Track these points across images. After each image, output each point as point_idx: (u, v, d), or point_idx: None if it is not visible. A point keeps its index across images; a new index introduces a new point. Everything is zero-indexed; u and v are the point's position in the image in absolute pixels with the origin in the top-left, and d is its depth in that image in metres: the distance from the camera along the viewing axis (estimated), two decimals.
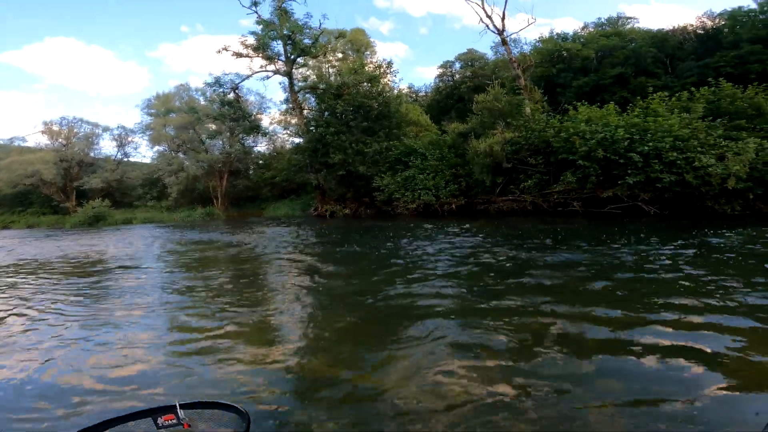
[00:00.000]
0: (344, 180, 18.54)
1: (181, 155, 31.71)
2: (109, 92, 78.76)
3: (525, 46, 29.34)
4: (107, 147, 39.71)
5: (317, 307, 4.22)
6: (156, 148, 34.63)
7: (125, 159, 38.12)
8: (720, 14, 26.75)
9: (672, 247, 6.28)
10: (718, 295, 3.76)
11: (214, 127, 28.15)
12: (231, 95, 23.73)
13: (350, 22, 73.09)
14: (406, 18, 66.74)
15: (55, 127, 35.23)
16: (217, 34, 75.21)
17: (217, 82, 23.20)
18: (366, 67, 23.10)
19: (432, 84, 35.48)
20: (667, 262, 5.25)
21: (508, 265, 5.52)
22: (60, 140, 35.29)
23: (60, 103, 73.70)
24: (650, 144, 12.17)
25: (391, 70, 23.51)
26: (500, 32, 20.18)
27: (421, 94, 35.54)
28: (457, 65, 33.20)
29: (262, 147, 31.86)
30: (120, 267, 7.00)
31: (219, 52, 23.29)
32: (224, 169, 28.62)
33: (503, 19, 19.87)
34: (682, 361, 2.52)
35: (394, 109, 19.96)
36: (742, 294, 3.77)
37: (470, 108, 18.14)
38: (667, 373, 2.40)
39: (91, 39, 76.17)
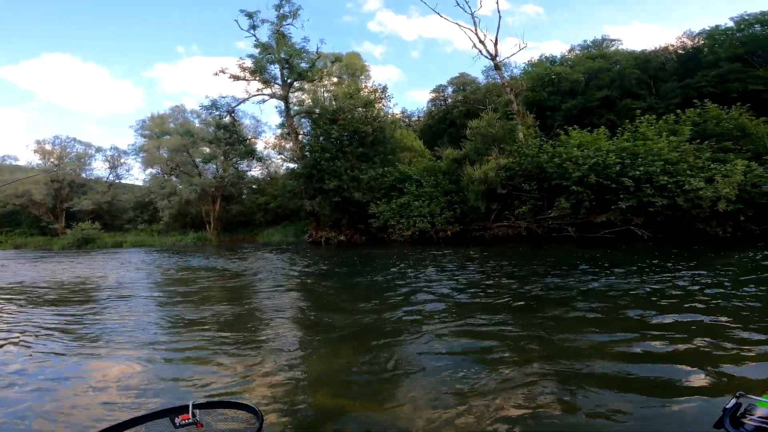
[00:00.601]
0: (339, 206, 18.50)
1: (174, 178, 31.54)
2: (103, 112, 78.78)
3: (515, 70, 30.21)
4: (99, 168, 39.30)
5: (317, 338, 4.13)
6: (149, 170, 34.42)
7: (117, 181, 37.84)
8: (698, 34, 27.74)
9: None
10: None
11: (208, 150, 28.16)
12: (227, 118, 23.86)
13: (344, 45, 74.85)
14: (398, 41, 68.59)
15: (48, 146, 35.05)
16: (212, 55, 76.27)
17: (214, 104, 23.36)
18: (361, 92, 23.51)
19: (424, 108, 36.21)
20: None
21: (507, 293, 5.47)
22: (52, 160, 35.04)
23: (53, 122, 73.38)
24: (641, 168, 12.36)
25: (386, 95, 23.92)
26: (493, 57, 20.72)
27: (414, 118, 36.12)
28: (450, 89, 33.93)
29: (256, 171, 31.90)
30: (111, 296, 6.76)
31: (216, 74, 23.63)
32: (217, 193, 28.48)
33: (496, 44, 20.47)
34: None
35: (389, 135, 20.18)
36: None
37: (463, 133, 18.41)
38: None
39: (88, 56, 76.66)
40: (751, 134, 14.15)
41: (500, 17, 20.27)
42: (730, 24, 25.02)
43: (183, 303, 6.10)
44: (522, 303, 4.89)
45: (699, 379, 2.60)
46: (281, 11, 23.06)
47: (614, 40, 34.05)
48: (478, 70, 47.47)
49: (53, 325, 4.86)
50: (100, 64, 75.59)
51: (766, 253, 7.98)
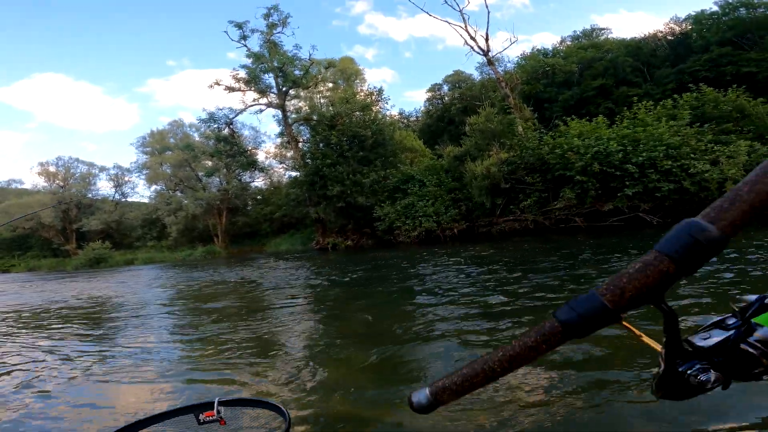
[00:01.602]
0: (344, 211, 18.58)
1: (179, 194, 31.82)
2: (100, 129, 79.77)
3: (509, 64, 30.18)
4: (104, 187, 39.85)
5: (329, 343, 4.17)
6: (153, 187, 34.79)
7: (123, 199, 38.30)
8: (686, 19, 27.77)
9: None
10: None
11: (210, 163, 28.38)
12: (226, 131, 24.04)
13: (336, 50, 75.04)
14: (390, 43, 68.67)
15: (52, 168, 35.55)
16: (204, 67, 76.79)
17: (211, 117, 23.51)
18: (357, 96, 23.60)
19: (422, 108, 36.27)
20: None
21: (521, 289, 5.49)
22: (57, 182, 35.49)
23: (51, 142, 74.29)
24: (644, 154, 12.36)
25: (382, 97, 24.00)
26: (485, 53, 20.76)
27: (412, 119, 36.19)
28: (446, 87, 33.96)
29: (259, 182, 32.11)
30: (140, 313, 6.85)
31: (211, 86, 23.84)
32: (222, 206, 28.68)
33: (487, 40, 20.50)
34: None
35: (389, 137, 20.25)
36: None
37: (462, 130, 18.45)
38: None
39: (79, 75, 77.67)
40: (751, 115, 14.23)
41: (489, 12, 20.51)
42: (715, 8, 25.21)
43: (206, 317, 6.18)
44: (536, 301, 4.90)
45: None
46: (270, 20, 23.22)
47: (604, 29, 34.04)
48: (472, 67, 47.38)
49: (89, 347, 4.95)
50: (93, 83, 76.58)
51: None
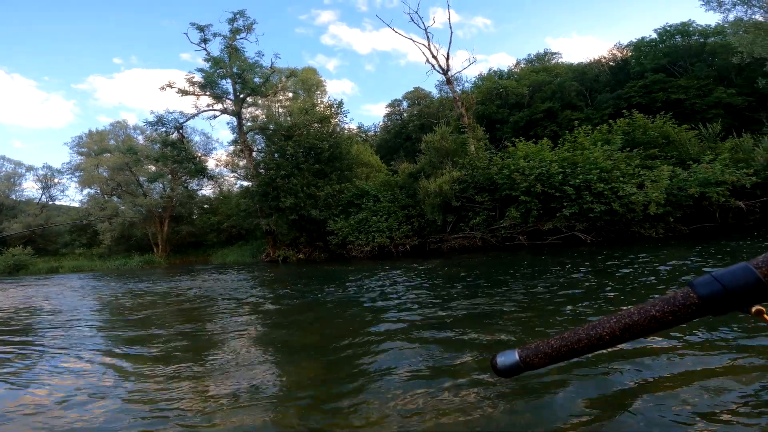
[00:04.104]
0: (296, 224, 18.11)
1: (115, 199, 29.43)
2: (30, 127, 72.22)
3: (466, 84, 31.65)
4: (30, 188, 35.99)
5: (280, 357, 4.00)
6: (86, 190, 32.01)
7: (51, 202, 34.94)
8: (627, 45, 30.43)
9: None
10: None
11: (154, 168, 26.60)
12: (175, 135, 22.74)
13: (297, 57, 74.62)
14: (352, 55, 69.61)
15: None
16: (154, 67, 72.84)
17: (160, 120, 22.17)
18: (317, 107, 23.42)
19: (380, 123, 36.85)
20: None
21: (463, 302, 5.61)
22: None
23: None
24: (580, 177, 13.14)
25: (341, 110, 24.01)
26: (445, 72, 21.56)
27: (370, 133, 36.60)
28: (405, 104, 34.82)
29: (207, 190, 30.55)
30: (53, 323, 6.04)
31: (163, 88, 22.58)
32: (165, 213, 26.85)
33: (447, 59, 21.34)
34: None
35: (346, 151, 20.20)
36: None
37: (418, 147, 18.88)
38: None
39: (12, 67, 70.30)
40: (675, 141, 15.31)
41: (452, 32, 21.28)
42: (654, 36, 27.44)
43: (133, 328, 5.66)
44: (478, 311, 5.02)
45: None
46: (235, 25, 22.62)
47: (555, 53, 36.93)
48: (431, 85, 49.15)
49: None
50: (26, 76, 69.63)
51: (668, 251, 8.80)
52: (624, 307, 4.55)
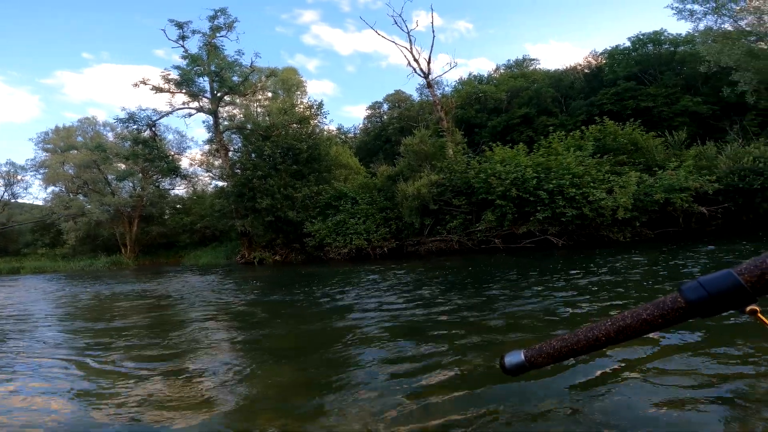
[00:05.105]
0: (273, 226, 17.75)
1: (81, 197, 28.16)
2: None
3: (447, 88, 31.93)
4: None
5: (253, 359, 3.92)
6: (51, 188, 30.54)
7: (12, 200, 33.15)
8: (601, 53, 31.27)
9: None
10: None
11: (124, 167, 25.57)
12: (147, 133, 21.94)
13: (276, 58, 73.62)
14: (333, 56, 69.26)
15: None
16: (125, 63, 70.17)
17: (131, 118, 21.30)
18: (296, 108, 23.10)
19: (360, 124, 36.76)
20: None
21: (439, 304, 5.64)
22: None
23: None
24: (554, 182, 13.34)
25: (322, 111, 23.77)
26: (426, 75, 21.67)
27: (350, 135, 36.46)
28: (385, 106, 34.86)
29: (180, 190, 29.62)
30: (13, 328, 5.63)
31: (136, 85, 21.81)
32: (134, 213, 25.85)
33: (429, 63, 21.48)
34: None
35: (324, 152, 19.99)
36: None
37: (397, 150, 18.89)
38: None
39: None
40: (642, 148, 15.79)
41: (434, 36, 21.49)
42: (628, 44, 27.96)
43: (101, 331, 5.45)
44: (455, 314, 5.03)
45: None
46: (215, 23, 22.03)
47: (533, 60, 37.73)
48: (412, 88, 49.46)
49: None
50: None
51: (635, 255, 9.12)
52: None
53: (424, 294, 6.74)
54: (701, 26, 20.11)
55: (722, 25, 19.55)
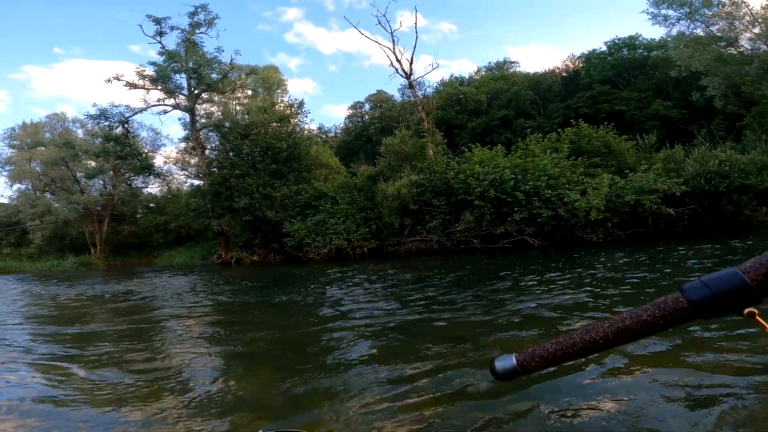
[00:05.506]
0: (251, 225, 17.41)
1: (48, 195, 26.95)
2: None
3: (428, 89, 32.08)
4: None
5: (232, 360, 3.85)
6: (16, 186, 29.16)
7: None
8: (579, 57, 32.06)
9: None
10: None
11: (94, 164, 24.58)
12: (119, 129, 21.18)
13: (258, 55, 72.40)
14: (315, 54, 68.60)
15: None
16: (97, 58, 67.50)
17: (103, 114, 20.59)
18: (276, 106, 22.73)
19: (341, 124, 36.54)
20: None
21: (418, 303, 5.64)
22: None
23: None
24: (530, 183, 13.55)
25: (302, 110, 23.50)
26: (408, 76, 21.70)
27: (330, 134, 36.20)
28: (367, 106, 34.76)
29: (154, 188, 28.72)
30: None
31: (109, 81, 21.04)
32: (105, 212, 24.89)
33: (411, 63, 21.52)
34: None
35: (304, 151, 19.75)
36: None
37: (378, 150, 18.83)
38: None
39: None
40: (615, 151, 16.21)
41: (417, 37, 21.53)
42: (604, 48, 28.68)
43: (70, 336, 5.18)
44: (431, 314, 5.02)
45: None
46: (195, 19, 21.45)
47: (513, 62, 38.41)
48: (394, 88, 49.48)
49: None
50: None
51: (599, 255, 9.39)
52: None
53: (404, 294, 6.71)
54: (674, 31, 20.49)
55: (694, 30, 19.94)
